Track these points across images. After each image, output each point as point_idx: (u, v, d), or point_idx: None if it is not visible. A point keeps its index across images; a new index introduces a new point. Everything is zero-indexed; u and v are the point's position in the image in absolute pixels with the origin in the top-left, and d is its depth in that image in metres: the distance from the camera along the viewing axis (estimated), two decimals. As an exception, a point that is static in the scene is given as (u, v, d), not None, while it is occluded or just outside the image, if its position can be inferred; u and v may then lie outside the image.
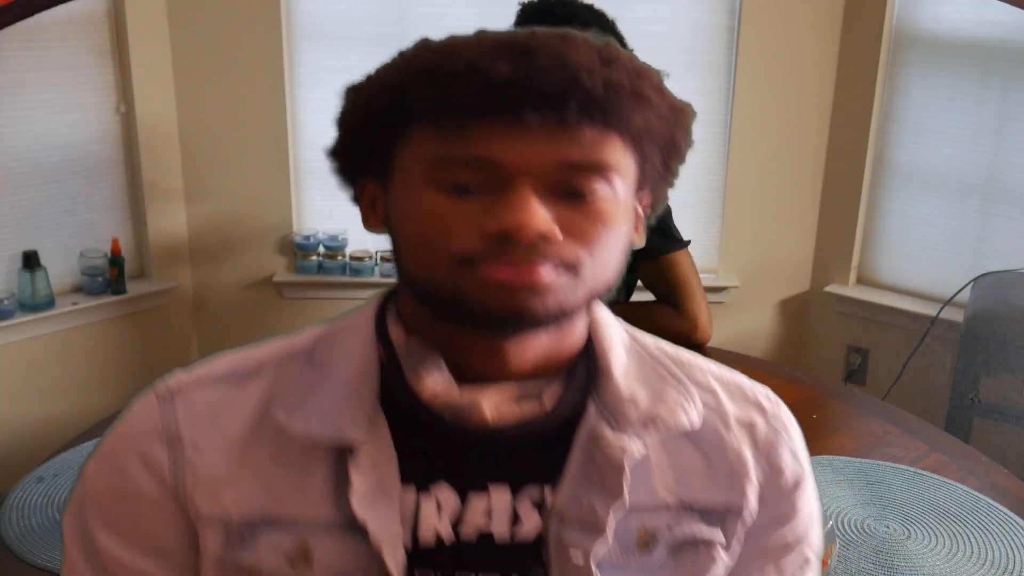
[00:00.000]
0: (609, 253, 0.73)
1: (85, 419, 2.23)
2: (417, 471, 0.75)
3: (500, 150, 0.68)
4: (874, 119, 3.05)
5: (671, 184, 0.79)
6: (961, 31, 2.91)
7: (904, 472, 1.72)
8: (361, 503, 0.73)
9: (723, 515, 0.80)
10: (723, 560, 0.80)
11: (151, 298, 3.09)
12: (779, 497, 0.83)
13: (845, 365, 3.29)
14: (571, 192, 0.70)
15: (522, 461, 0.77)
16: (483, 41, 0.70)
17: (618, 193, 0.72)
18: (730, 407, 0.83)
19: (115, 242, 2.95)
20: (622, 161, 0.72)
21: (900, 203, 3.10)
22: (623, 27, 1.85)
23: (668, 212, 1.91)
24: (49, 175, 2.85)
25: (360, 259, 3.15)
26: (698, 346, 1.95)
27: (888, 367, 3.13)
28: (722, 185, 3.17)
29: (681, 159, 0.77)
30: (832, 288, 3.23)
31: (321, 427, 0.75)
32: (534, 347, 0.75)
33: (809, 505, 0.86)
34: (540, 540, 0.76)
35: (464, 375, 0.76)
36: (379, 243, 3.15)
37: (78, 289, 2.97)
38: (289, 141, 3.06)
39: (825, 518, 1.33)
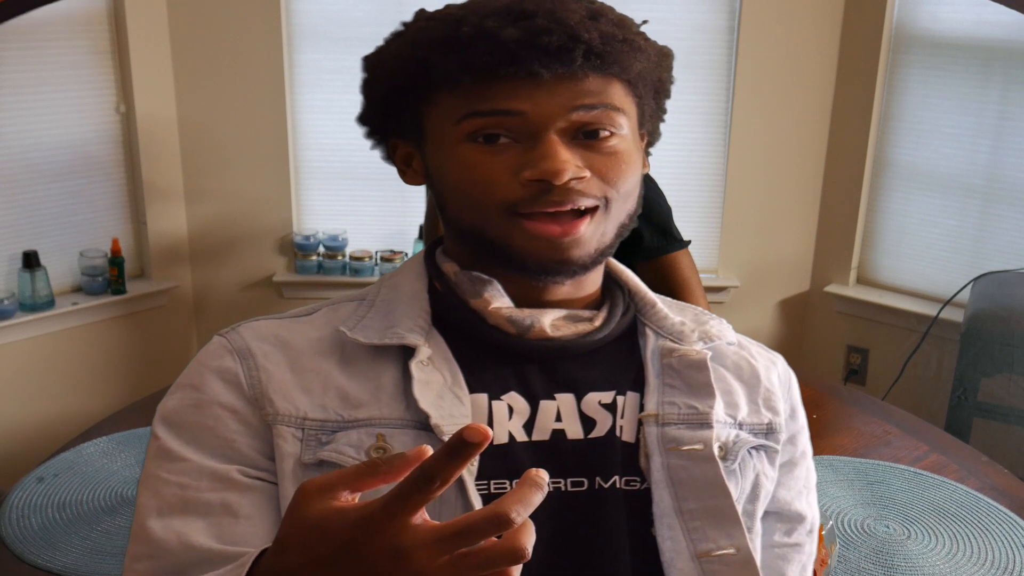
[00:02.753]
0: (631, 184, 0.82)
1: (85, 419, 2.23)
2: (487, 383, 0.82)
3: (521, 103, 0.77)
4: (874, 119, 3.05)
5: (662, 119, 0.89)
6: (961, 31, 2.90)
7: (904, 472, 1.72)
8: (424, 397, 0.78)
9: (767, 432, 0.89)
10: (773, 473, 0.88)
11: (151, 298, 3.09)
12: (790, 437, 0.91)
13: (845, 365, 3.28)
14: (588, 134, 0.79)
15: (582, 372, 0.84)
16: (484, 8, 0.79)
17: (626, 131, 0.81)
18: (752, 347, 0.94)
19: (115, 242, 2.95)
20: (625, 102, 0.81)
21: (900, 203, 3.10)
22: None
23: (668, 212, 1.91)
24: (49, 175, 2.85)
25: (360, 259, 3.14)
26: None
27: (888, 367, 3.13)
28: (722, 185, 3.17)
29: (667, 96, 0.88)
30: (832, 288, 3.23)
31: (381, 336, 0.82)
32: (574, 283, 0.85)
33: (809, 453, 0.94)
34: (633, 445, 0.81)
35: (516, 304, 0.84)
36: (378, 243, 3.16)
37: (78, 289, 2.98)
38: (289, 141, 3.06)
39: (825, 518, 1.33)
